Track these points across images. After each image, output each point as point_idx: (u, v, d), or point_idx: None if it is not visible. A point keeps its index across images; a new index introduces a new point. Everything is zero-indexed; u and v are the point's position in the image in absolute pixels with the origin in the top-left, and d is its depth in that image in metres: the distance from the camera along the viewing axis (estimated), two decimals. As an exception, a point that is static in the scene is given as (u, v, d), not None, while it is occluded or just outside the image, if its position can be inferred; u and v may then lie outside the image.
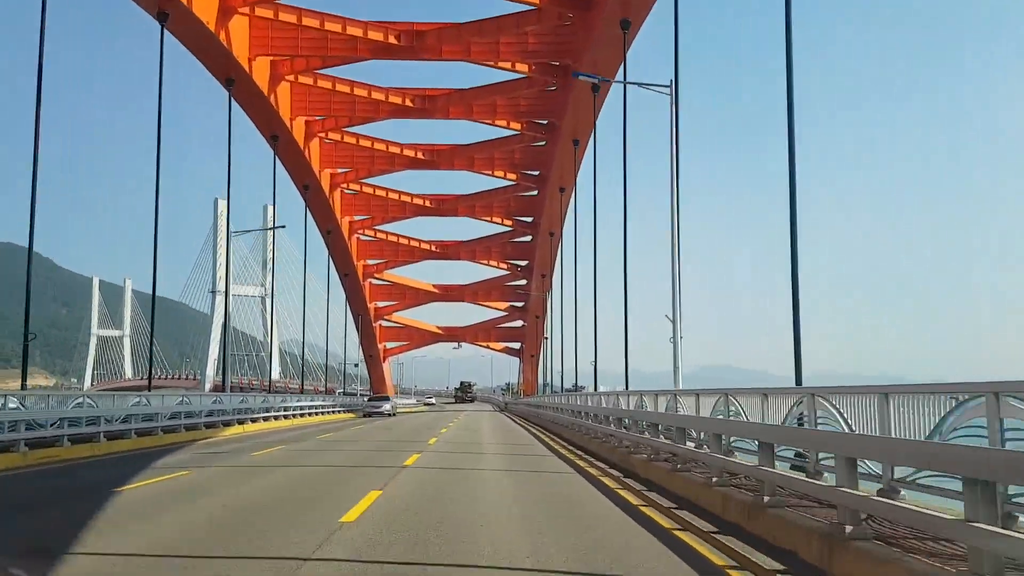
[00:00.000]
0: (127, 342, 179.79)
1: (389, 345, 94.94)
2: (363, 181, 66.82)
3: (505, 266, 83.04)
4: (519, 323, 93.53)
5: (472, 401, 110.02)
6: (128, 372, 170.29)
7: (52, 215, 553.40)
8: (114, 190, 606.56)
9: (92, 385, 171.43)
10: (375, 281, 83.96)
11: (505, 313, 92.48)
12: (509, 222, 75.81)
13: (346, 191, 68.65)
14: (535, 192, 68.01)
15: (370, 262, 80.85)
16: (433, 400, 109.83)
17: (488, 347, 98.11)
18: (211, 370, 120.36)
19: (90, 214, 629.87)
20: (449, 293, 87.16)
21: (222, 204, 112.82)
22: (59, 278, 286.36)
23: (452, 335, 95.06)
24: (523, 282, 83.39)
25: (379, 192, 69.17)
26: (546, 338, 52.33)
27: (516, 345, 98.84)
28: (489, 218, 74.96)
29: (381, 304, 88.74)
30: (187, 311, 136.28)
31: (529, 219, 73.95)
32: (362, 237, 76.90)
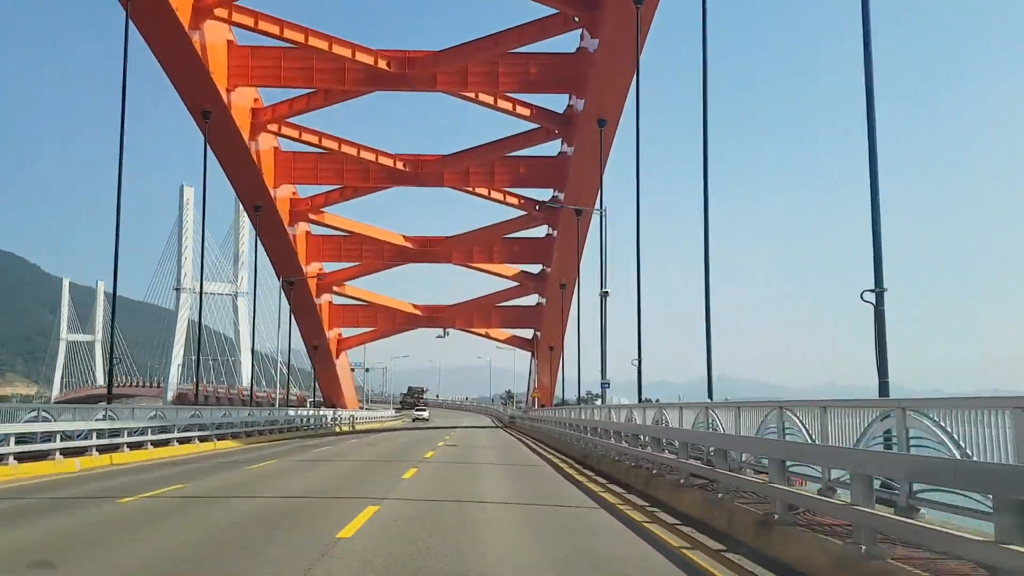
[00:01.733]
0: (99, 347, 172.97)
1: (345, 333, 64.49)
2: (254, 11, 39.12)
3: (516, 201, 56.17)
4: (534, 299, 68.80)
5: (423, 409, 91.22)
6: (100, 379, 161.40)
7: (38, 220, 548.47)
8: (93, 190, 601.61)
9: (61, 393, 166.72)
10: (314, 229, 54.06)
11: (515, 284, 67.34)
12: (526, 110, 46.52)
13: (236, 43, 41.82)
14: (576, 47, 42.55)
15: (301, 192, 55.98)
16: (426, 413, 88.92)
17: (487, 335, 68.46)
18: (175, 377, 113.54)
19: (73, 217, 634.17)
20: (429, 250, 57.30)
21: (188, 191, 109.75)
22: (47, 284, 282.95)
23: (435, 318, 66.68)
24: (543, 232, 59.40)
25: (292, 34, 39.32)
26: (607, 292, 33.91)
27: (528, 333, 74.51)
28: (491, 98, 44.88)
29: (329, 268, 58.64)
30: (164, 313, 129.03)
31: (563, 102, 46.58)
32: (283, 145, 50.33)
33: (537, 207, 55.43)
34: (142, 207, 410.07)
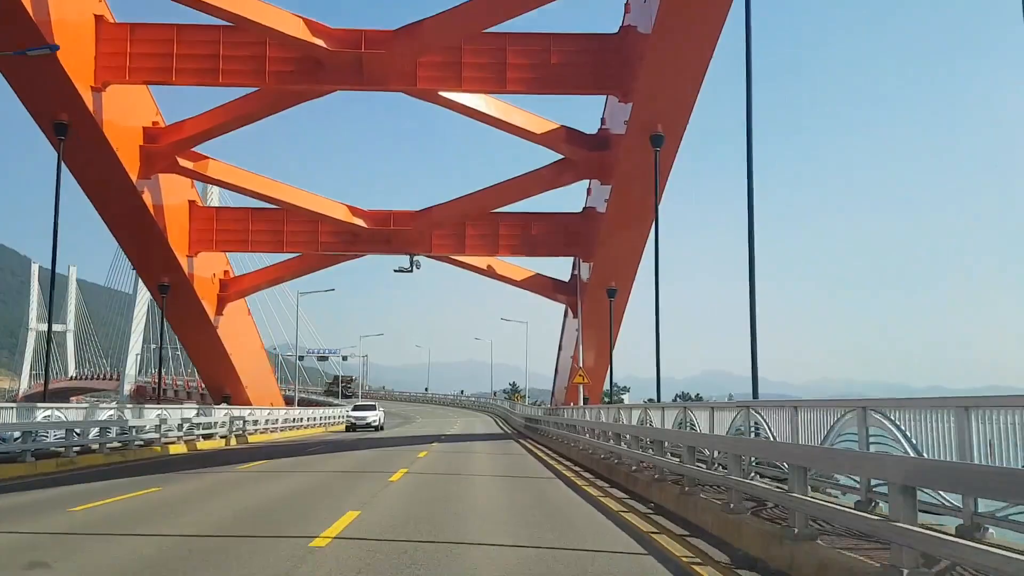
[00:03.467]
0: (71, 337, 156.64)
1: (238, 268, 33.06)
2: None
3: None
4: (580, 196, 35.59)
5: (370, 408, 50.90)
6: (72, 370, 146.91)
7: (22, 208, 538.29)
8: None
9: (31, 386, 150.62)
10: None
11: (552, 161, 31.10)
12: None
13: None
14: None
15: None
16: (375, 415, 47.76)
17: (490, 271, 32.74)
18: (133, 368, 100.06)
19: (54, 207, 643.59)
20: (367, 54, 21.90)
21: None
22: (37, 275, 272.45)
23: (392, 234, 30.74)
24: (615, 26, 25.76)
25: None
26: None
27: (563, 270, 40.48)
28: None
29: (170, 113, 28.95)
30: (126, 298, 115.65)
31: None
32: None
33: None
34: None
